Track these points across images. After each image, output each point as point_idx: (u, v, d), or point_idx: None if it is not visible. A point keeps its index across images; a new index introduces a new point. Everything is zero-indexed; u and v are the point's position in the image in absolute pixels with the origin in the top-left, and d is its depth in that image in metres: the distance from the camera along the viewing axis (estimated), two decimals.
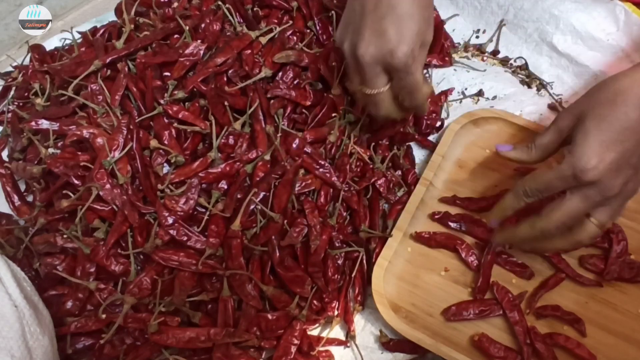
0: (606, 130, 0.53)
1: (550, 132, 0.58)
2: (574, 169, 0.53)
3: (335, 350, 0.63)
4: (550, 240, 0.58)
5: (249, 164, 0.66)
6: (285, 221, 0.63)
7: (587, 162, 0.52)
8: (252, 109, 0.67)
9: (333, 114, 0.70)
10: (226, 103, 0.67)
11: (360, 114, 0.71)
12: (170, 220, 0.61)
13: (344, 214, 0.69)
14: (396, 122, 0.72)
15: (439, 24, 0.86)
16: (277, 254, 0.62)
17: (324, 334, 0.64)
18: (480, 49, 0.86)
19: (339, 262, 0.66)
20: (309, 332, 0.64)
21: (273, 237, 0.62)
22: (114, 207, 0.62)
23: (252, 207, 0.63)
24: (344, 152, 0.70)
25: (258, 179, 0.65)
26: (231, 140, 0.67)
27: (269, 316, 0.61)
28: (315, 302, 0.63)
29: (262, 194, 0.63)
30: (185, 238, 0.61)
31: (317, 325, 0.64)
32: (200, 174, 0.64)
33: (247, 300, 0.60)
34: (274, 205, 0.63)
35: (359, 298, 0.66)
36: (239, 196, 0.64)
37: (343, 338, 0.64)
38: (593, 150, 0.52)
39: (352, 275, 0.66)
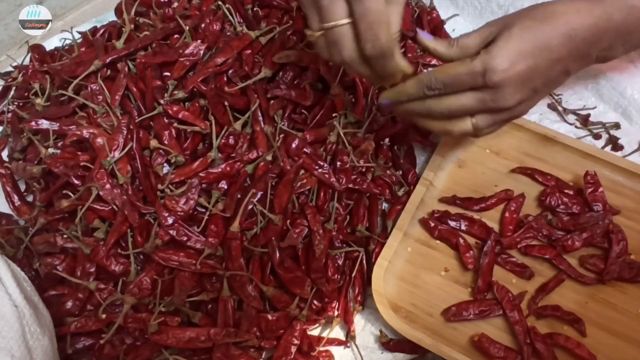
0: (528, 42, 0.53)
1: (475, 35, 0.57)
2: (485, 65, 0.52)
3: (335, 350, 0.63)
4: (427, 118, 0.58)
5: (250, 164, 0.66)
6: (288, 221, 0.63)
7: (499, 64, 0.52)
8: (252, 109, 0.67)
9: (334, 114, 0.71)
10: (226, 103, 0.67)
11: (366, 80, 0.69)
12: (170, 221, 0.61)
13: (343, 213, 0.69)
14: (397, 123, 0.72)
15: (439, 24, 0.86)
16: (277, 255, 0.62)
17: (324, 334, 0.64)
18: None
19: (339, 262, 0.66)
20: (309, 332, 0.64)
21: (273, 238, 0.62)
22: (114, 207, 0.62)
23: (250, 207, 0.63)
24: (341, 150, 0.70)
25: (257, 177, 0.65)
26: (231, 140, 0.67)
27: (269, 317, 0.61)
28: (315, 302, 0.63)
29: (259, 194, 0.63)
30: (185, 238, 0.61)
31: (317, 325, 0.64)
32: (200, 174, 0.64)
33: (248, 301, 0.60)
34: (275, 205, 0.63)
35: (359, 298, 0.66)
36: (238, 196, 0.64)
37: (343, 338, 0.64)
38: (509, 55, 0.52)
39: (352, 276, 0.66)
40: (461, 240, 0.67)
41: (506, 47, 0.53)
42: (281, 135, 0.67)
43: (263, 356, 0.62)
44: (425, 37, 0.59)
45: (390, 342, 0.64)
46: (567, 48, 0.54)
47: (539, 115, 0.78)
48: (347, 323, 0.64)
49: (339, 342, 0.64)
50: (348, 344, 0.64)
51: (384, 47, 0.50)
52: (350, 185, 0.69)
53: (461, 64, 0.54)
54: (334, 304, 0.64)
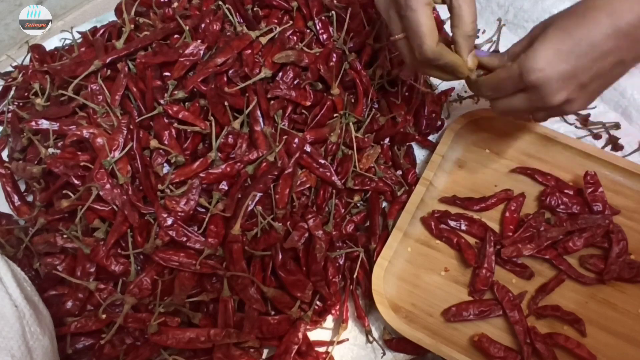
0: (565, 41, 0.52)
1: (522, 40, 0.58)
2: (521, 67, 0.53)
3: (335, 350, 0.63)
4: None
5: (250, 165, 0.66)
6: (288, 223, 0.63)
7: (535, 63, 0.52)
8: (249, 109, 0.67)
9: (334, 115, 0.71)
10: (226, 103, 0.67)
11: (366, 80, 0.72)
12: (169, 221, 0.61)
13: (343, 211, 0.69)
14: (397, 123, 0.72)
15: (439, 24, 0.86)
16: (280, 257, 0.62)
17: (324, 336, 0.64)
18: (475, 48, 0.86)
19: (340, 261, 0.66)
20: (313, 335, 0.64)
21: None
22: (114, 207, 0.62)
23: (250, 207, 0.63)
24: (345, 154, 0.70)
25: (258, 177, 0.65)
26: (230, 140, 0.67)
27: (271, 320, 0.60)
28: (318, 302, 0.63)
29: (259, 195, 0.63)
30: (184, 239, 0.61)
31: (318, 326, 0.64)
32: (201, 174, 0.64)
33: (250, 304, 0.60)
34: (277, 202, 0.64)
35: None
36: (239, 196, 0.64)
37: (342, 338, 0.64)
38: (545, 55, 0.52)
39: (355, 276, 0.66)
40: (462, 239, 0.67)
41: (542, 47, 0.53)
42: (284, 137, 0.67)
43: (263, 356, 0.62)
44: (482, 54, 0.60)
45: (393, 340, 0.64)
46: (615, 39, 0.51)
47: None
48: (359, 319, 0.65)
49: (338, 342, 0.64)
50: (370, 341, 0.64)
51: (429, 54, 0.56)
52: (357, 187, 0.69)
53: (503, 69, 0.56)
54: (337, 306, 0.64)
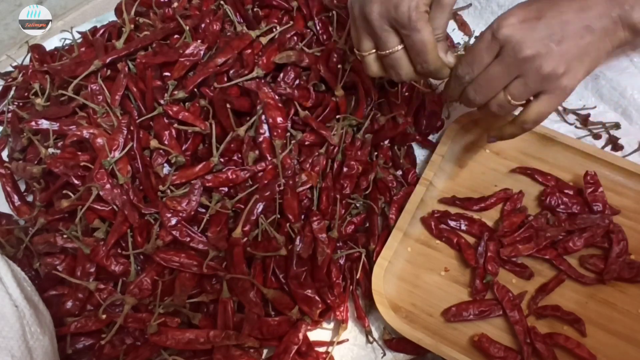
0: (533, 2, 0.54)
1: None
2: (492, 29, 0.54)
3: (335, 350, 0.63)
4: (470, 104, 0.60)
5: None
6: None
7: (505, 19, 0.53)
8: (256, 116, 0.67)
9: (337, 116, 0.70)
10: (228, 106, 0.67)
11: (367, 81, 0.71)
12: (173, 221, 0.61)
13: (342, 211, 0.69)
14: (399, 123, 0.72)
15: None
16: (294, 268, 0.62)
17: (324, 336, 0.64)
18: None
19: (341, 261, 0.66)
20: (313, 335, 0.64)
21: (290, 246, 0.63)
22: (114, 207, 0.62)
23: (254, 217, 0.63)
24: (348, 157, 0.70)
25: (262, 186, 0.65)
26: (232, 145, 0.67)
27: (271, 321, 0.60)
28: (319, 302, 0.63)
29: (261, 205, 0.63)
30: (188, 239, 0.61)
31: (318, 326, 0.64)
32: (206, 177, 0.64)
33: (249, 307, 0.59)
34: (289, 216, 0.64)
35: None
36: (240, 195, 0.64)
37: (342, 338, 0.64)
38: (515, 12, 0.54)
39: (357, 277, 0.65)
40: (462, 239, 0.67)
41: (513, 9, 0.54)
42: (292, 142, 0.67)
43: (263, 356, 0.62)
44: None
45: (393, 340, 0.64)
46: (577, 3, 0.54)
47: None
48: (360, 320, 0.65)
49: (338, 342, 0.64)
50: (371, 341, 0.64)
51: (432, 68, 0.58)
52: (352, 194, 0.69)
53: (476, 40, 0.57)
54: (341, 308, 0.64)
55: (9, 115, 0.77)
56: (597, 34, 0.55)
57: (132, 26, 0.75)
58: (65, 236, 0.62)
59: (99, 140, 0.64)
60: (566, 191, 0.70)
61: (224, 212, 0.64)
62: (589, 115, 0.78)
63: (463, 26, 0.89)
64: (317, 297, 0.61)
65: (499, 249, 0.66)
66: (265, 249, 0.62)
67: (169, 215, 0.61)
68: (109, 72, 0.71)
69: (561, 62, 0.54)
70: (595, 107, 0.78)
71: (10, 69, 0.85)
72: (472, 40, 0.87)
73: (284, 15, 0.78)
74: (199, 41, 0.70)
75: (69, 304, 0.61)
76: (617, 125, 0.76)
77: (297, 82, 0.72)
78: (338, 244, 0.67)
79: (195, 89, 0.69)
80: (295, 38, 0.75)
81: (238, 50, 0.70)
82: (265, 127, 0.67)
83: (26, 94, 0.78)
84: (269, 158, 0.67)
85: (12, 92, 0.80)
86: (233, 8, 0.76)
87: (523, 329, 0.61)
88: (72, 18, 0.99)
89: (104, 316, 0.59)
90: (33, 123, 0.69)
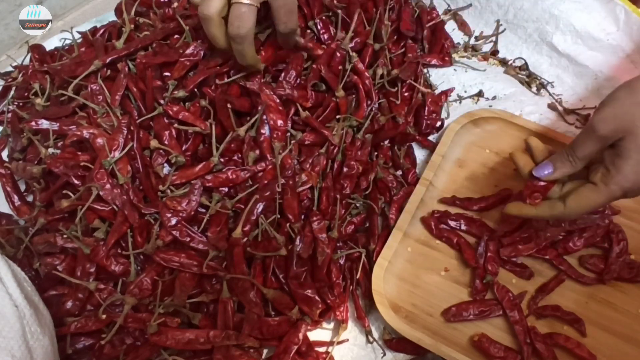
0: None
1: (591, 141, 0.53)
2: (623, 190, 0.52)
3: (335, 350, 0.63)
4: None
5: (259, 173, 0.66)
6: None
7: (635, 182, 0.52)
8: (257, 116, 0.67)
9: (337, 116, 0.70)
10: (229, 106, 0.67)
11: (368, 81, 0.71)
12: (173, 221, 0.61)
13: (342, 211, 0.69)
14: (399, 123, 0.72)
15: (439, 24, 0.86)
16: (294, 268, 0.62)
17: (324, 336, 0.64)
18: (474, 48, 0.86)
19: (341, 261, 0.66)
20: (313, 335, 0.64)
21: (290, 246, 0.63)
22: (114, 207, 0.62)
23: (254, 217, 0.63)
24: (348, 157, 0.70)
25: (262, 186, 0.65)
26: (232, 145, 0.67)
27: (271, 321, 0.60)
28: (319, 303, 0.63)
29: (261, 205, 0.63)
30: (188, 239, 0.61)
31: (318, 326, 0.64)
32: (206, 177, 0.64)
33: (249, 307, 0.60)
34: (289, 216, 0.64)
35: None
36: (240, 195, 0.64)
37: (342, 338, 0.64)
38: (632, 170, 0.51)
39: (357, 277, 0.66)
40: (462, 239, 0.67)
41: (626, 164, 0.52)
42: (292, 142, 0.67)
43: (263, 356, 0.62)
44: (545, 173, 0.57)
45: (393, 340, 0.64)
46: None
47: (539, 115, 0.78)
48: (359, 320, 0.65)
49: (338, 342, 0.64)
50: (371, 341, 0.64)
51: (242, 34, 0.59)
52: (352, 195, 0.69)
53: (596, 192, 0.54)
54: (341, 308, 0.64)
55: (9, 115, 0.77)
56: None
57: (132, 26, 0.75)
58: (65, 236, 0.62)
59: (99, 140, 0.64)
60: None
61: (224, 212, 0.64)
62: (589, 115, 0.78)
63: (463, 26, 0.89)
64: (317, 297, 0.61)
65: (499, 249, 0.66)
66: (265, 249, 0.62)
67: (169, 215, 0.61)
68: (109, 72, 0.71)
69: None
70: (595, 107, 0.78)
71: (10, 69, 0.85)
72: (472, 40, 0.88)
73: None
74: (199, 41, 0.70)
75: (69, 304, 0.61)
76: None
77: (297, 81, 0.71)
78: (338, 244, 0.67)
79: (196, 89, 0.69)
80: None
81: None
82: (266, 127, 0.67)
83: (26, 94, 0.78)
84: (269, 158, 0.67)
85: (12, 92, 0.80)
86: None
87: (523, 329, 0.61)
88: (72, 18, 0.99)
89: (104, 316, 0.59)
90: (33, 123, 0.69)
